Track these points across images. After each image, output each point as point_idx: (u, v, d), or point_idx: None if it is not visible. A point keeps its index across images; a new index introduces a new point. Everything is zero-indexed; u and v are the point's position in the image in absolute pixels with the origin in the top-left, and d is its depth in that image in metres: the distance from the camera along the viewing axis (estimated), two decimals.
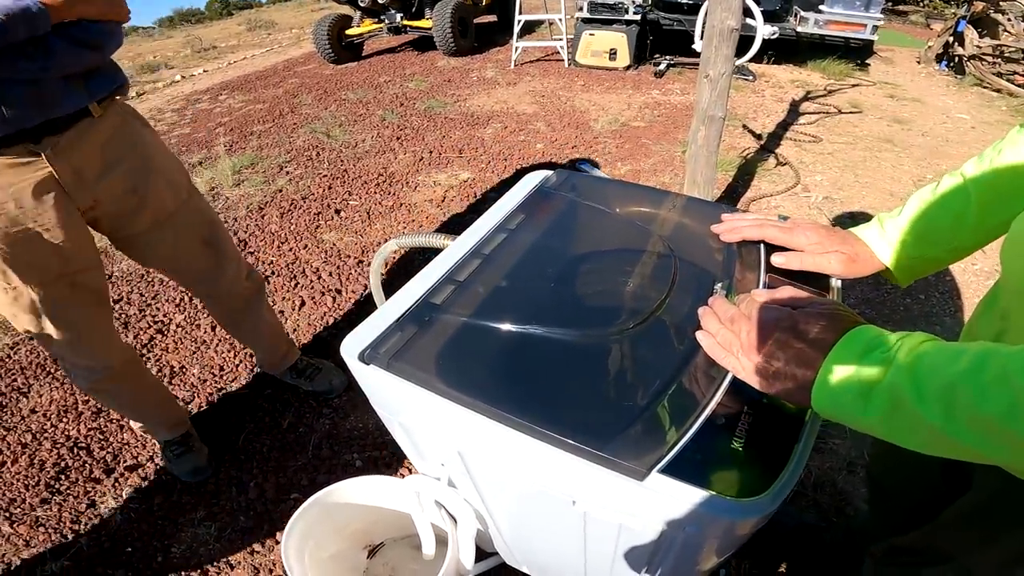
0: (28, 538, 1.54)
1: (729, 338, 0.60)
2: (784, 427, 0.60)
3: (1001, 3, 5.30)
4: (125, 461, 1.76)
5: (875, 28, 5.05)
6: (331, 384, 1.91)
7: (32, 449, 1.79)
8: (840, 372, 0.51)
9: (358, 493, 1.11)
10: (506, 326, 0.69)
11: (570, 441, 0.56)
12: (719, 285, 0.74)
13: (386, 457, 1.72)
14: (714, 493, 0.52)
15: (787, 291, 0.62)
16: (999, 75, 5.17)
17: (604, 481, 0.56)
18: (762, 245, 0.81)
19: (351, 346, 0.71)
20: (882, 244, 0.76)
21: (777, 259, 0.77)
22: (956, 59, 5.60)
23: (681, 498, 0.53)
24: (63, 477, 1.71)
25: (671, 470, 0.53)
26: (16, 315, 1.21)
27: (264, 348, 1.83)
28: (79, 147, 1.11)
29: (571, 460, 0.57)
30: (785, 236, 0.79)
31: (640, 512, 0.58)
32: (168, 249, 1.38)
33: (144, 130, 1.29)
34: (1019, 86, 4.97)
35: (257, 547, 1.51)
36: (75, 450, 1.79)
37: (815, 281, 0.77)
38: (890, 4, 8.05)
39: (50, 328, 1.25)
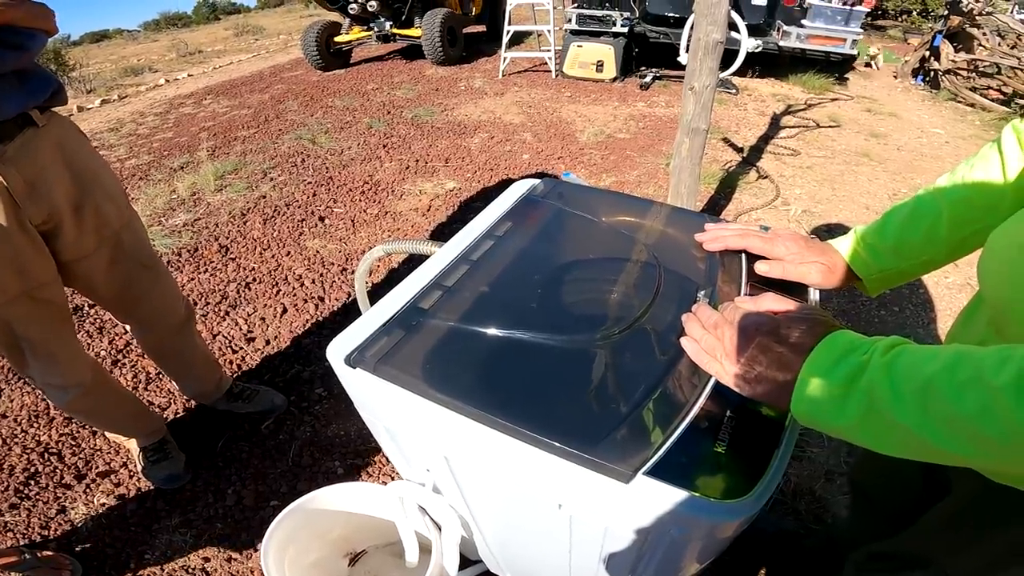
0: None
1: (712, 343, 0.61)
2: (766, 431, 0.60)
3: (977, 18, 5.47)
4: (97, 467, 1.72)
5: (854, 42, 5.18)
6: (273, 403, 1.86)
7: (1, 455, 1.75)
8: (818, 375, 0.52)
9: (340, 499, 1.09)
10: (493, 331, 0.70)
11: (556, 444, 0.56)
12: (702, 293, 0.75)
13: (368, 464, 1.70)
14: (698, 495, 0.53)
15: (769, 298, 0.63)
16: (973, 89, 5.34)
17: (590, 484, 0.56)
18: (744, 254, 0.83)
19: (337, 349, 0.71)
20: (857, 256, 0.79)
21: (761, 267, 0.79)
22: (932, 73, 5.77)
23: (666, 500, 0.53)
24: (33, 482, 1.66)
25: (656, 472, 0.54)
26: None
27: (197, 377, 1.75)
28: (28, 157, 1.08)
29: (557, 463, 0.57)
30: (766, 246, 0.81)
31: (626, 514, 0.59)
32: (112, 273, 1.33)
33: (87, 145, 1.26)
34: (992, 100, 5.12)
35: (235, 554, 1.48)
36: (46, 455, 1.74)
37: (794, 290, 0.78)
38: (869, 19, 8.27)
39: (17, 348, 1.21)
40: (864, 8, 5.14)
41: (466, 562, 1.27)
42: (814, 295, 0.80)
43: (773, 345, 0.56)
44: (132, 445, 1.68)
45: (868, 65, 6.78)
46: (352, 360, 0.69)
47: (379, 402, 0.71)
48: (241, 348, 2.16)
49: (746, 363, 0.57)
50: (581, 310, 0.76)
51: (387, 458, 1.70)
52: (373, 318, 0.75)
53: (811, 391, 0.52)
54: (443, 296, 0.77)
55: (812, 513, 1.55)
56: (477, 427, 0.61)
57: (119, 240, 1.31)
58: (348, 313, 2.35)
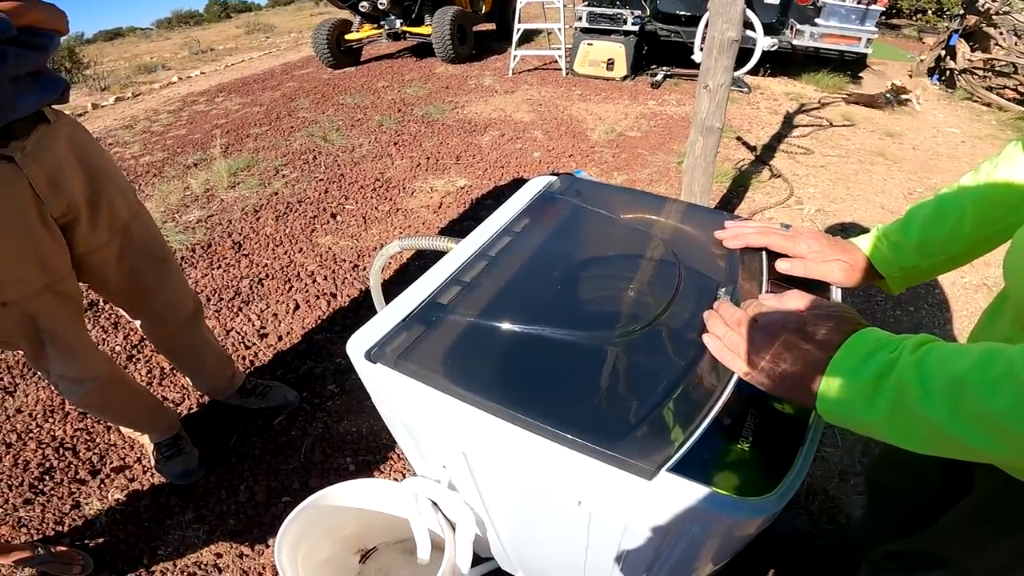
0: (10, 539, 1.51)
1: (736, 341, 0.61)
2: (789, 428, 0.60)
3: (993, 17, 5.40)
4: (112, 462, 1.73)
5: (869, 41, 5.13)
6: (285, 399, 1.87)
7: (16, 449, 1.77)
8: (845, 373, 0.51)
9: (353, 496, 1.10)
10: (513, 327, 0.69)
11: (578, 440, 0.56)
12: (723, 290, 0.74)
13: (379, 461, 1.71)
14: (722, 492, 0.52)
15: (794, 295, 0.62)
16: (989, 89, 5.27)
17: (612, 480, 0.56)
18: (764, 252, 0.82)
19: (357, 344, 0.70)
20: (879, 253, 0.78)
21: (782, 265, 0.78)
22: (947, 73, 5.70)
23: (689, 496, 0.53)
24: (47, 478, 1.68)
25: (679, 469, 0.53)
26: (5, 332, 1.19)
27: (209, 372, 1.76)
28: (45, 152, 1.11)
29: (579, 459, 0.57)
30: (788, 244, 0.80)
31: (647, 511, 0.58)
32: (121, 265, 1.34)
33: (93, 140, 1.28)
34: (1009, 100, 5.05)
35: (247, 550, 1.49)
36: (60, 451, 1.76)
37: (816, 289, 0.77)
38: (883, 18, 8.19)
39: (39, 341, 1.23)
40: (879, 7, 5.08)
41: (477, 559, 1.27)
42: (836, 294, 0.79)
43: (799, 342, 0.55)
44: (146, 440, 1.69)
45: (904, 100, 5.00)
46: (372, 355, 0.69)
47: (398, 397, 0.71)
48: (254, 344, 2.17)
49: (771, 360, 0.56)
50: (601, 307, 0.76)
51: (398, 455, 1.70)
52: (392, 313, 0.74)
53: (838, 388, 0.51)
54: (462, 292, 0.77)
55: (826, 513, 1.54)
56: (497, 422, 0.61)
57: (128, 232, 1.32)
58: (360, 309, 2.35)
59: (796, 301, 0.61)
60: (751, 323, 0.60)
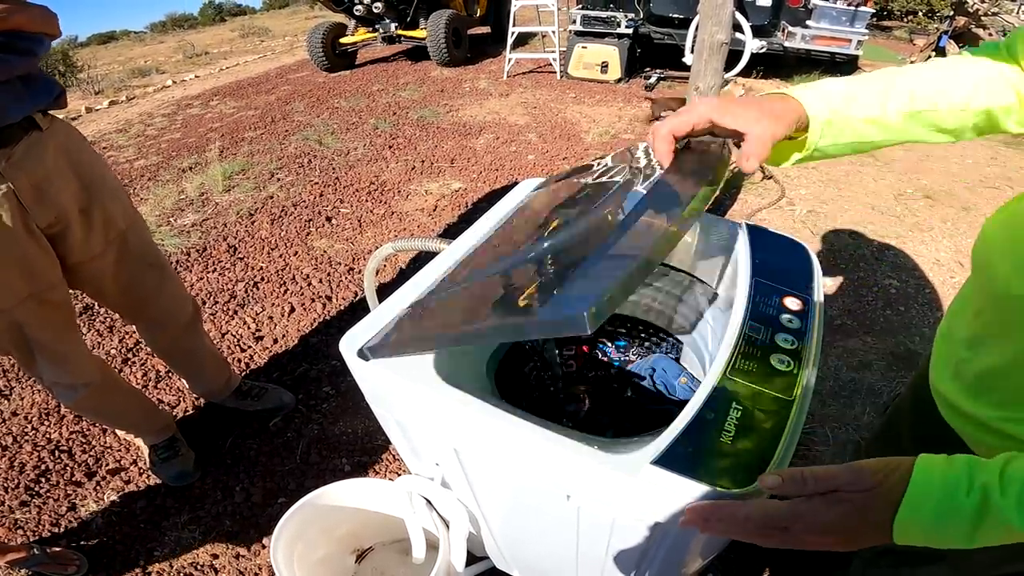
0: (6, 540, 1.51)
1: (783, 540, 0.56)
2: (770, 422, 0.61)
3: (982, 18, 5.45)
4: (107, 464, 1.73)
5: (859, 43, 5.17)
6: (281, 401, 1.88)
7: (12, 452, 1.77)
8: (926, 518, 0.50)
9: (349, 496, 1.10)
10: None
11: (565, 434, 0.57)
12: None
13: (375, 462, 1.71)
14: (705, 484, 0.53)
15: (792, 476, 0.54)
16: None
17: (598, 474, 0.57)
18: (741, 254, 0.80)
19: (350, 343, 0.72)
20: (806, 95, 0.68)
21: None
22: None
23: (674, 490, 0.54)
24: (43, 480, 1.68)
25: (664, 462, 0.55)
26: None
27: (206, 375, 1.76)
28: (33, 160, 1.09)
29: (566, 453, 0.58)
30: (685, 117, 0.69)
31: (634, 504, 0.59)
32: (118, 274, 1.34)
33: (89, 147, 1.27)
34: None
35: (243, 551, 1.50)
36: (56, 453, 1.76)
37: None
38: (874, 19, 8.25)
39: (27, 349, 1.23)
40: (869, 9, 5.13)
41: (472, 559, 1.28)
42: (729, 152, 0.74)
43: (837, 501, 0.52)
44: (142, 443, 1.70)
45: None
46: (364, 353, 0.70)
47: (391, 395, 0.72)
48: (249, 347, 2.18)
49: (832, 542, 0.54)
50: None
51: (394, 456, 1.71)
52: (384, 312, 0.76)
53: (924, 529, 0.50)
54: (452, 291, 0.78)
55: None
56: (487, 418, 0.62)
57: (125, 240, 1.32)
58: (355, 312, 2.36)
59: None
60: (790, 526, 0.55)
